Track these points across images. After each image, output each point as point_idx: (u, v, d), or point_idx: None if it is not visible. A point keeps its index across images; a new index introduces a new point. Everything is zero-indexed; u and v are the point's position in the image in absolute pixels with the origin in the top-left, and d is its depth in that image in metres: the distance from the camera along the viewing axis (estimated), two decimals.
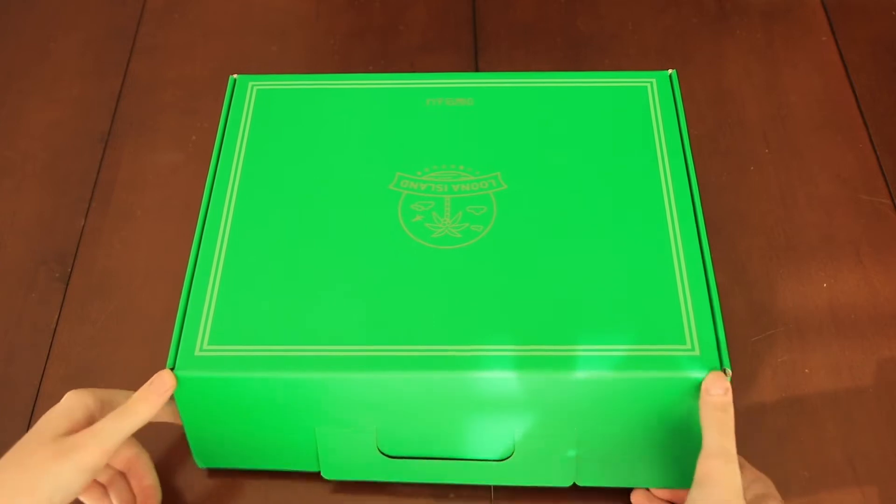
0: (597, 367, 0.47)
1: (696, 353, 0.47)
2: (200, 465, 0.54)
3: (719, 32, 0.77)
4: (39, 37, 0.79)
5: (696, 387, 0.46)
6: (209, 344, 0.48)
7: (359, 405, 0.49)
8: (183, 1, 0.81)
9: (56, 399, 0.58)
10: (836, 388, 0.57)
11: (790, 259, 0.63)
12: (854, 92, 0.72)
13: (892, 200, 0.65)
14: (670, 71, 0.60)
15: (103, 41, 0.78)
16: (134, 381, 0.59)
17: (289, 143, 0.57)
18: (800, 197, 0.66)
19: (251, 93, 0.60)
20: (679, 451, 0.49)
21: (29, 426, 0.57)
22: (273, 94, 0.60)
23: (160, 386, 0.46)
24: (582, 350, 0.47)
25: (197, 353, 0.48)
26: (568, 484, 0.51)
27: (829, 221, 0.64)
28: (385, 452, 0.51)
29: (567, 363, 0.47)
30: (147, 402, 0.46)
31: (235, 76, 0.60)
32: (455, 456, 0.51)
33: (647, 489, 0.52)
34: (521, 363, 0.47)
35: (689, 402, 0.47)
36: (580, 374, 0.47)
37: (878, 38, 0.75)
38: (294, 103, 0.59)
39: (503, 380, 0.47)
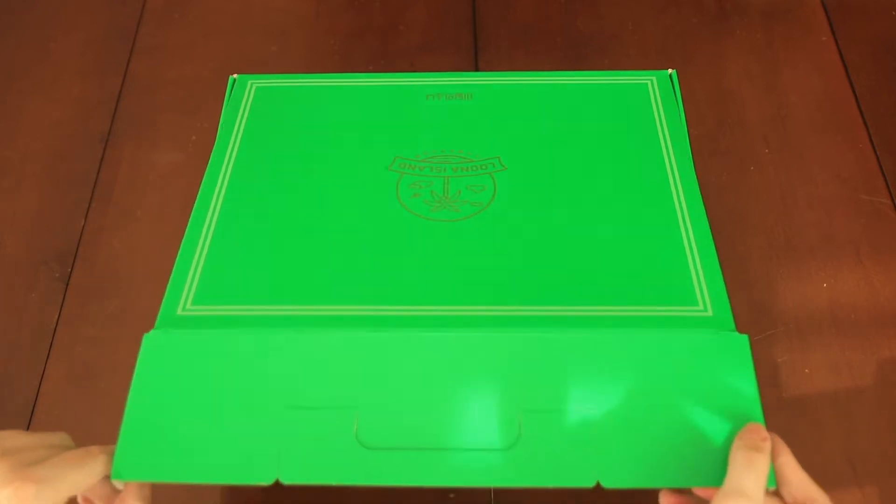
0: (609, 326, 0.45)
1: (710, 313, 0.47)
2: (117, 476, 0.43)
3: (719, 32, 0.76)
4: (39, 37, 0.79)
5: (711, 347, 0.45)
6: (193, 304, 0.47)
7: (344, 378, 0.43)
8: (183, 1, 0.81)
9: (56, 399, 0.58)
10: (836, 388, 0.57)
11: (790, 259, 0.63)
12: (854, 92, 0.72)
13: (892, 200, 0.65)
14: (670, 70, 0.60)
15: (103, 41, 0.78)
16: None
17: (287, 132, 0.58)
18: (800, 197, 0.66)
19: (250, 90, 0.60)
20: (701, 441, 0.44)
21: (29, 426, 0.57)
22: (272, 91, 0.60)
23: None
24: (592, 310, 0.46)
25: (179, 312, 0.47)
26: (591, 483, 0.42)
27: (829, 221, 0.64)
28: (365, 442, 0.42)
29: (577, 323, 0.45)
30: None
31: (235, 76, 0.60)
32: (449, 445, 0.42)
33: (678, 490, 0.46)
34: (529, 322, 0.45)
35: (702, 367, 0.44)
36: (590, 333, 0.45)
37: (878, 38, 0.75)
38: (293, 99, 0.60)
39: (509, 342, 0.44)
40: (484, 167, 0.54)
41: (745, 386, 0.45)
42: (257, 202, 0.53)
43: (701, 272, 0.49)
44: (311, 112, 0.58)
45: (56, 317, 0.62)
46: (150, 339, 0.46)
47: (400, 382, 0.44)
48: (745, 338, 0.46)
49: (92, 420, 0.57)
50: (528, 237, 0.50)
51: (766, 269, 0.62)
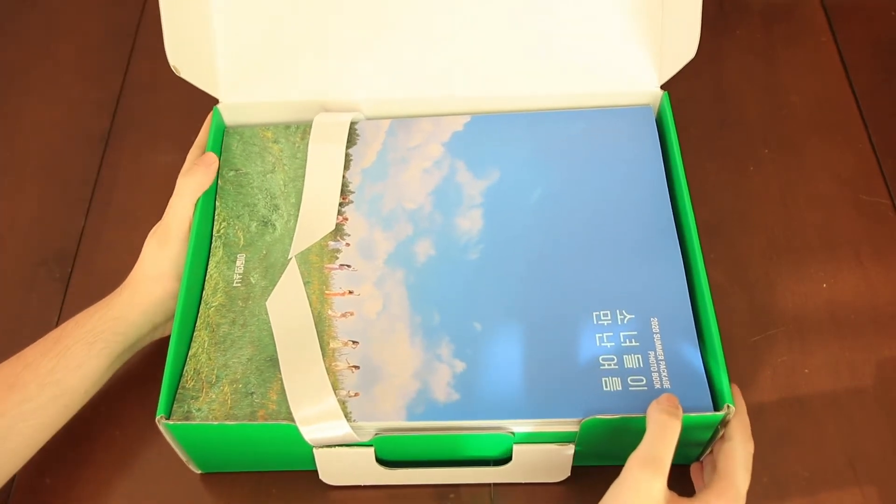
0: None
1: None
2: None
3: (719, 32, 0.76)
4: (39, 37, 0.79)
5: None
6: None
7: None
8: None
9: None
10: (836, 388, 0.57)
11: (790, 259, 0.63)
12: (854, 92, 0.72)
13: (892, 200, 0.65)
14: (662, 92, 0.61)
15: (103, 42, 0.78)
16: (134, 381, 0.59)
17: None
18: (800, 197, 0.66)
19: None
20: None
21: None
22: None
23: (208, 160, 0.59)
24: None
25: None
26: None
27: (829, 221, 0.64)
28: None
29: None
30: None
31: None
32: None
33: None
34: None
35: None
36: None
37: (878, 38, 0.75)
38: None
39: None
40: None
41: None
42: None
43: None
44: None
45: (56, 317, 0.62)
46: None
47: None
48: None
49: (92, 421, 0.57)
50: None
51: (766, 269, 0.62)
